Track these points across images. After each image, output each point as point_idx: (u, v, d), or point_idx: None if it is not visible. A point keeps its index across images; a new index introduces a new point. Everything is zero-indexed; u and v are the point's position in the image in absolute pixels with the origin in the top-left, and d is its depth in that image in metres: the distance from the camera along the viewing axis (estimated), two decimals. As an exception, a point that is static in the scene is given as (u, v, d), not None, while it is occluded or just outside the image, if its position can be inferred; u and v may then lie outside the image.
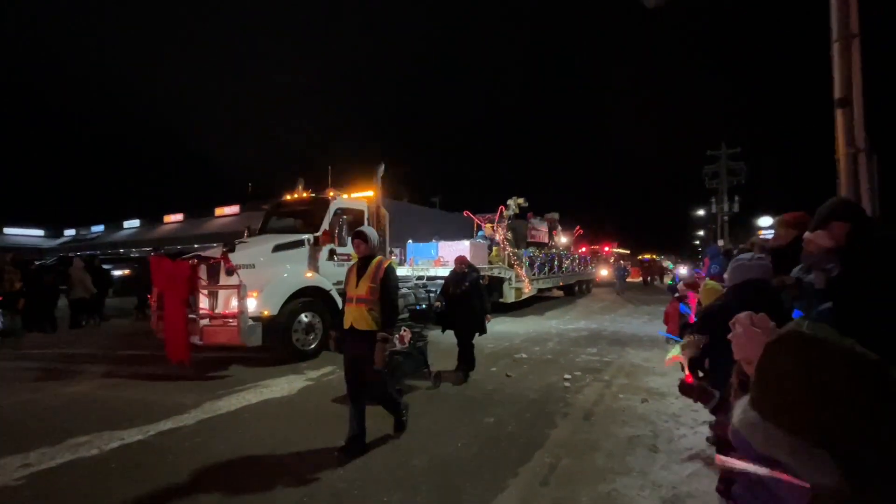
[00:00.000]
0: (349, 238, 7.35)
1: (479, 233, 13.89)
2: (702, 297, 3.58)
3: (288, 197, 8.61)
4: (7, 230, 41.12)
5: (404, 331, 5.18)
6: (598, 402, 4.81)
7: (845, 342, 0.84)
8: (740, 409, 0.97)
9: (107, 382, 5.63)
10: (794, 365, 0.86)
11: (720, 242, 22.09)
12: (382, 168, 8.38)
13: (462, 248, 11.05)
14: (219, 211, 33.99)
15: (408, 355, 5.10)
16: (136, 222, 40.15)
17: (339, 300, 6.79)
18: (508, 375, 5.87)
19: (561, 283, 16.59)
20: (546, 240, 17.08)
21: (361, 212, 8.18)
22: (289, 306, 6.57)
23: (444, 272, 10.28)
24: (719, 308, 2.22)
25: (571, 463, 3.38)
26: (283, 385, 5.41)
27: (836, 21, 3.64)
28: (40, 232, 44.54)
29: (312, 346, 6.85)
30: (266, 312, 6.25)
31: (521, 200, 13.90)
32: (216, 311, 6.30)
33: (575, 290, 18.41)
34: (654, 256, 41.54)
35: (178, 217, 37.25)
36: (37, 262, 14.84)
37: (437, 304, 6.11)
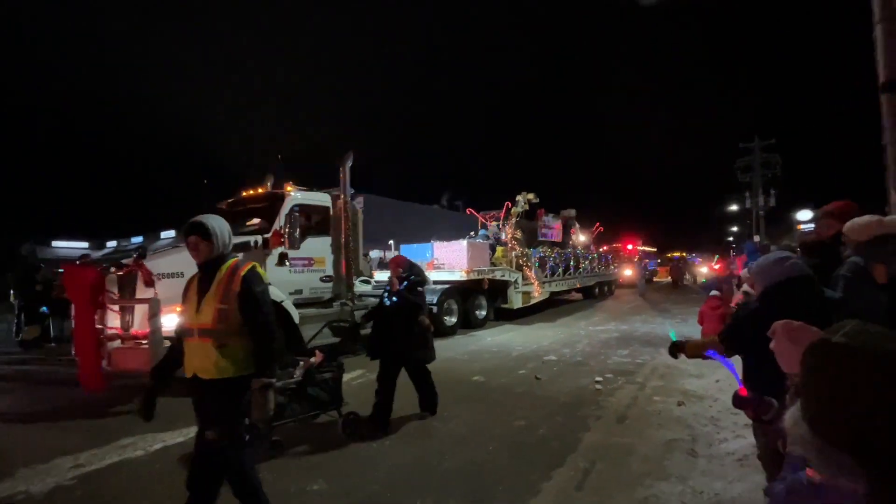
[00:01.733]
0: (307, 238, 6.67)
1: (482, 231, 12.93)
2: None
3: (244, 194, 7.37)
4: (55, 243, 43.63)
5: (313, 357, 3.86)
6: (631, 405, 4.69)
7: (886, 346, 0.79)
8: (791, 417, 0.92)
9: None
10: (825, 376, 0.83)
11: (755, 238, 21.26)
12: (350, 158, 7.23)
13: (458, 248, 10.25)
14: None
15: (297, 393, 3.63)
16: (171, 232, 41.83)
17: (294, 313, 6.16)
18: (538, 378, 5.80)
19: (578, 286, 15.46)
20: (559, 238, 15.74)
21: (325, 208, 7.16)
22: None
23: (441, 276, 9.69)
24: (750, 316, 2.06)
25: (606, 467, 3.30)
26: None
27: (879, 0, 3.46)
28: (85, 244, 47.02)
29: None
30: None
31: (531, 196, 12.68)
32: (129, 330, 5.22)
33: (595, 293, 17.24)
34: (684, 254, 40.11)
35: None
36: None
37: (362, 322, 4.90)
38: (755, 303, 2.18)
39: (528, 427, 4.12)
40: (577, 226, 17.37)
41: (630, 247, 26.18)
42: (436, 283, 9.37)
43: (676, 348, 2.23)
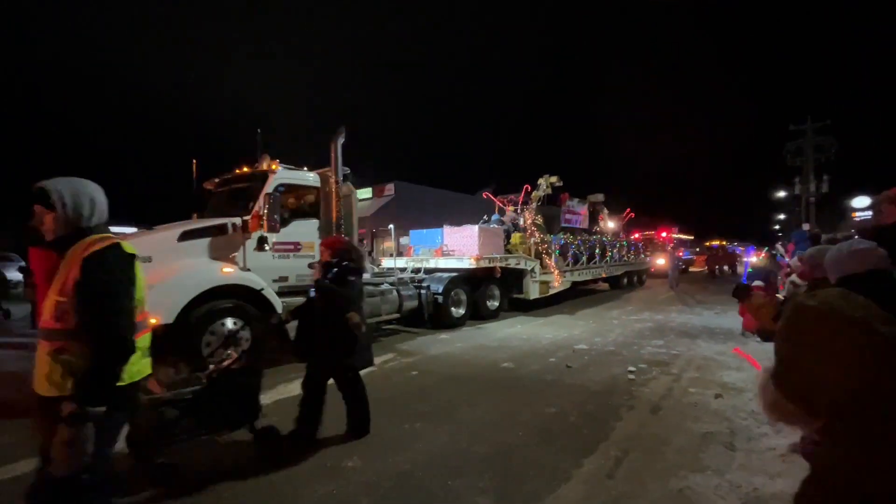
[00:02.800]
0: (294, 221, 6.26)
1: (495, 216, 12.02)
2: None
3: (237, 172, 6.78)
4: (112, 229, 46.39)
5: (226, 355, 3.44)
6: (666, 396, 4.58)
7: (855, 313, 0.87)
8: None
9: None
10: (791, 335, 0.92)
11: (805, 226, 20.04)
12: (342, 134, 6.62)
13: (469, 234, 9.54)
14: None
15: (194, 406, 2.97)
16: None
17: (277, 302, 5.71)
18: (569, 366, 5.75)
19: (604, 275, 14.50)
20: (585, 225, 14.96)
21: (314, 188, 6.66)
22: (199, 311, 5.18)
23: (449, 263, 9.23)
24: None
25: (639, 457, 3.26)
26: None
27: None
28: (135, 230, 49.70)
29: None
30: (155, 320, 4.72)
31: (553, 179, 12.03)
32: None
33: (623, 283, 16.21)
34: (724, 243, 38.32)
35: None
36: None
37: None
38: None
39: (559, 414, 4.10)
40: (606, 211, 16.48)
41: (664, 234, 25.09)
42: (443, 270, 9.12)
43: (742, 291, 2.20)
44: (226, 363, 3.25)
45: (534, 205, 11.85)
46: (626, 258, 16.00)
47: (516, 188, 12.71)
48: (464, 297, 9.10)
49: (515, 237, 10.97)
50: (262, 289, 5.65)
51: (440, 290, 8.47)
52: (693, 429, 3.73)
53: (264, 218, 5.71)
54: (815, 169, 22.10)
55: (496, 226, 11.14)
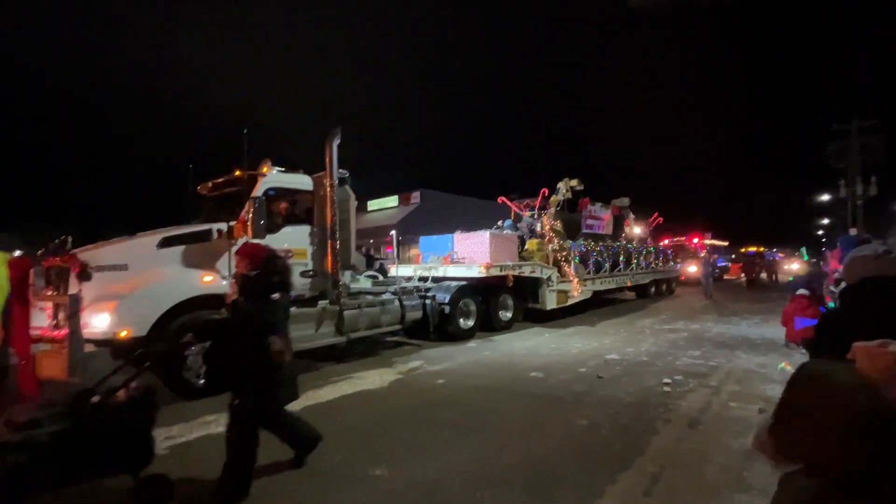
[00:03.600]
0: (286, 226, 5.91)
1: (508, 222, 11.43)
2: None
3: (227, 176, 6.29)
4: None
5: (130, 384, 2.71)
6: (704, 410, 4.37)
7: (842, 379, 0.87)
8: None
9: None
10: (787, 401, 0.93)
11: (852, 231, 18.95)
12: (338, 136, 6.25)
13: (480, 240, 8.94)
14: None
15: (56, 449, 2.36)
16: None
17: None
18: (600, 377, 5.58)
19: (629, 284, 13.74)
20: (609, 230, 14.06)
21: (308, 193, 6.31)
22: (177, 323, 4.74)
23: (458, 272, 8.64)
24: (834, 317, 1.82)
25: (677, 474, 3.10)
26: (376, 378, 5.69)
27: None
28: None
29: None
30: (125, 333, 4.44)
31: (574, 182, 11.36)
32: (56, 330, 4.51)
33: (650, 292, 15.38)
34: (761, 249, 36.53)
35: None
36: None
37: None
38: (844, 298, 1.94)
39: (591, 427, 3.97)
40: (632, 216, 15.54)
41: (696, 240, 24.04)
42: (452, 279, 8.58)
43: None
44: (120, 392, 2.64)
45: (552, 210, 11.18)
46: (653, 265, 15.23)
47: (537, 193, 11.99)
48: (473, 307, 8.48)
49: (532, 244, 10.38)
50: None
51: (447, 300, 7.92)
52: (735, 445, 3.53)
53: (252, 222, 5.25)
54: (861, 170, 20.93)
55: (510, 232, 10.56)
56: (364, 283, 7.42)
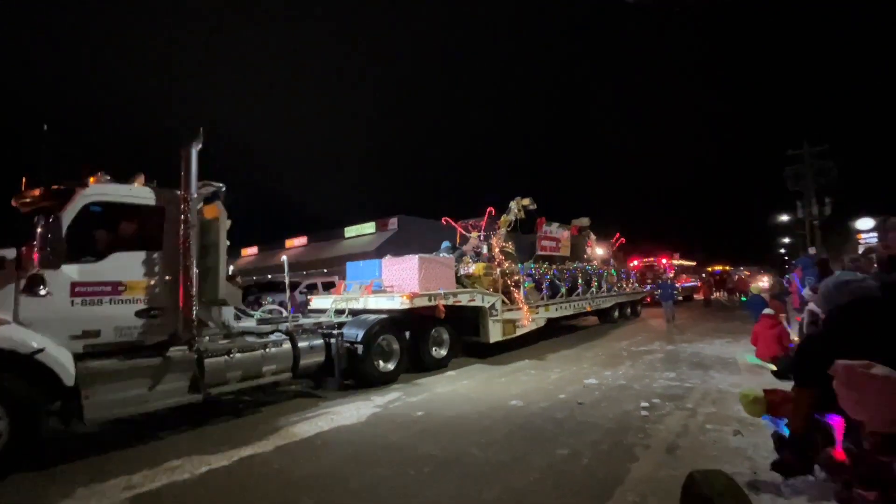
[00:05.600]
0: (114, 252, 4.66)
1: (444, 244, 10.52)
2: None
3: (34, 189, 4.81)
4: None
5: None
6: (682, 434, 4.41)
7: None
8: None
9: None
10: None
11: (811, 250, 19.89)
12: (199, 141, 5.08)
13: (409, 266, 7.89)
14: (289, 243, 36.47)
15: None
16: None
17: (66, 368, 4.07)
18: (580, 403, 5.58)
19: (589, 308, 12.76)
20: (567, 252, 13.30)
21: (150, 208, 4.98)
22: None
23: (379, 303, 7.49)
24: (814, 344, 1.91)
25: (658, 502, 3.09)
26: (353, 412, 5.53)
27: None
28: None
29: None
30: None
31: (526, 201, 10.63)
32: None
33: (613, 316, 14.54)
34: (727, 268, 37.65)
35: (253, 250, 40.34)
36: None
37: None
38: (821, 328, 2.04)
39: (572, 456, 3.94)
40: (594, 237, 14.90)
41: (664, 261, 24.48)
42: (368, 312, 7.48)
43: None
44: None
45: (502, 230, 10.32)
46: (616, 288, 14.59)
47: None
48: (396, 345, 7.22)
49: (479, 268, 9.30)
50: (40, 350, 3.95)
51: (359, 338, 6.66)
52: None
53: (50, 248, 4.07)
54: (816, 192, 22.15)
55: (446, 255, 9.52)
56: (247, 322, 6.10)
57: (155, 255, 4.95)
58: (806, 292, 5.75)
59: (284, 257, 7.20)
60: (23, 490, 3.64)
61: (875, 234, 21.71)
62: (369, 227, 30.34)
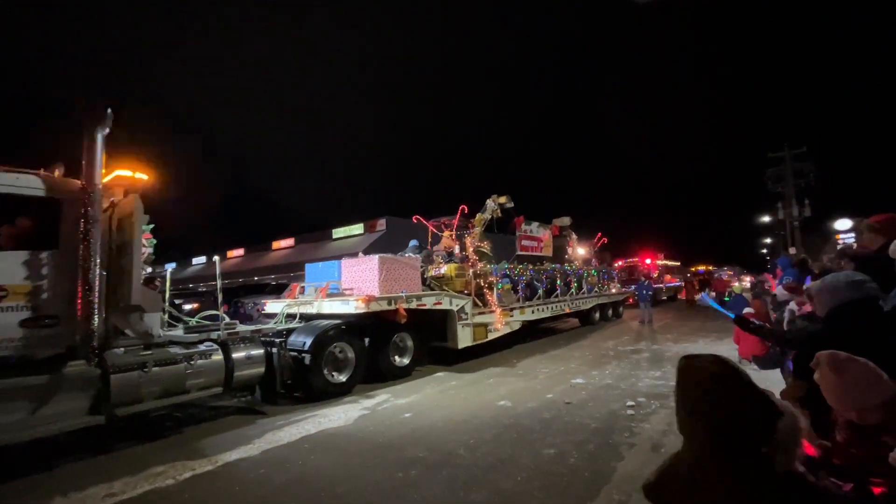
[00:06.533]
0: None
1: (412, 242, 10.05)
2: None
3: None
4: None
5: None
6: (667, 432, 4.47)
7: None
8: None
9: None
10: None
11: (791, 250, 20.37)
12: (108, 120, 4.38)
13: (368, 267, 7.34)
14: (276, 244, 36.11)
15: None
16: (202, 259, 43.41)
17: None
18: (567, 403, 5.62)
19: (568, 310, 12.29)
20: (548, 252, 12.94)
21: (40, 200, 4.30)
22: None
23: (333, 308, 6.95)
24: (814, 340, 1.94)
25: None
26: (340, 415, 5.49)
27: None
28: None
29: None
30: None
31: (503, 199, 10.19)
32: None
33: (594, 318, 14.02)
34: (709, 268, 38.06)
35: (240, 252, 39.84)
36: None
37: None
38: (817, 325, 2.09)
39: (559, 455, 3.97)
40: (575, 236, 14.50)
41: (648, 261, 24.36)
42: (320, 317, 6.94)
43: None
44: None
45: (477, 229, 9.86)
46: (597, 289, 14.17)
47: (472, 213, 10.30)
48: (351, 353, 6.61)
49: (450, 269, 8.83)
50: None
51: (306, 347, 6.02)
52: (697, 466, 3.61)
53: None
54: (796, 194, 22.72)
55: (411, 255, 9.06)
56: (176, 331, 5.54)
57: (45, 256, 4.23)
58: (779, 291, 5.86)
59: (216, 257, 6.19)
60: (-2, 500, 3.53)
61: (853, 235, 22.35)
62: (357, 229, 30.18)
